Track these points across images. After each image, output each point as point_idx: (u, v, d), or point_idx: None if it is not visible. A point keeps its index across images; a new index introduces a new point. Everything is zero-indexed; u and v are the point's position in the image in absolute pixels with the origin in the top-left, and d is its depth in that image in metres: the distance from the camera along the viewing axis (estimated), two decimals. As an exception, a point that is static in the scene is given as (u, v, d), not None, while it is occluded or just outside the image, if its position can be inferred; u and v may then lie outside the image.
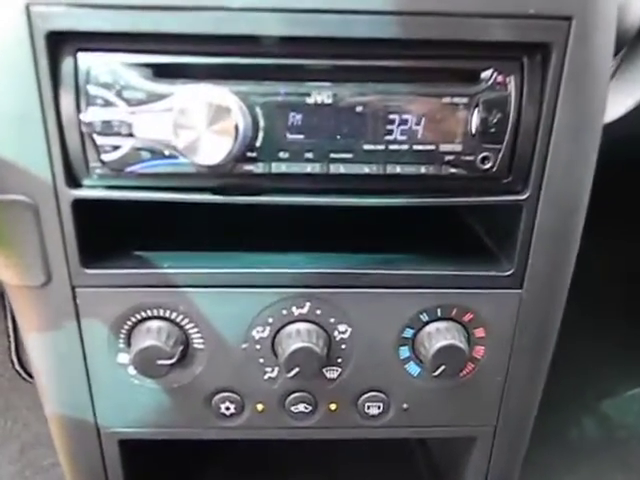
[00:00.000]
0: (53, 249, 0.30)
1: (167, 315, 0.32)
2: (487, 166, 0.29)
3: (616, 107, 0.39)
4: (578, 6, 0.26)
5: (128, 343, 0.32)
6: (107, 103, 0.27)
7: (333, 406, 0.35)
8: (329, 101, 0.27)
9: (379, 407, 0.35)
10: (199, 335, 0.32)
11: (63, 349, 0.32)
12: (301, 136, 0.28)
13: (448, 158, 0.28)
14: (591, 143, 0.29)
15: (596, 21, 0.27)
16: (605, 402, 0.89)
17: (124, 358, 0.33)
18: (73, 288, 0.31)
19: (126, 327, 0.32)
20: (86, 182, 0.29)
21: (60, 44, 0.26)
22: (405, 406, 0.35)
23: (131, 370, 0.33)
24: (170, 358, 0.31)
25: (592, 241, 0.35)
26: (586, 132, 0.29)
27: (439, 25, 0.26)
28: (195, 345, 0.32)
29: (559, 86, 0.27)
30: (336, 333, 0.32)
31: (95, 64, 0.26)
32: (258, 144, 0.27)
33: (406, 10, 0.25)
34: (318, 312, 0.32)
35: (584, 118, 0.29)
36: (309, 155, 0.28)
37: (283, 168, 0.28)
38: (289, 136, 0.28)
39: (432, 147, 0.28)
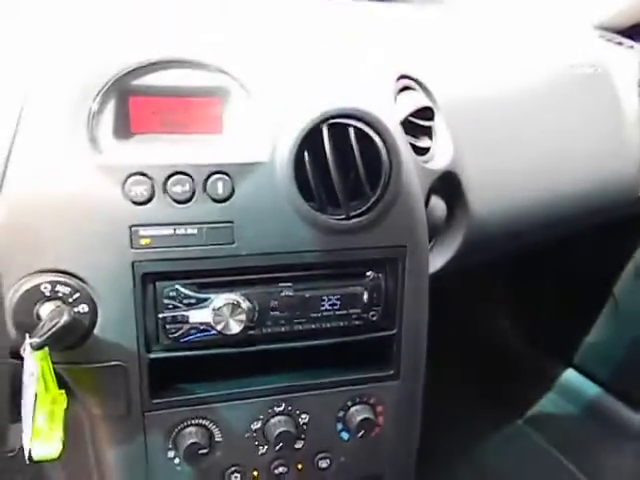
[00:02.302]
0: (133, 391, 0.50)
1: (199, 422, 0.53)
2: (373, 318, 0.55)
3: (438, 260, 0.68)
4: (409, 239, 0.54)
5: (175, 443, 0.53)
6: (174, 307, 0.49)
7: (300, 466, 0.57)
8: (291, 294, 0.52)
9: (327, 462, 0.58)
10: (219, 432, 0.54)
11: (132, 453, 0.52)
12: (277, 313, 0.52)
13: (354, 316, 0.54)
14: (423, 295, 0.57)
15: (417, 243, 0.55)
16: (478, 449, 1.16)
17: (171, 454, 0.53)
18: (143, 413, 0.51)
19: (174, 433, 0.52)
20: (156, 348, 0.50)
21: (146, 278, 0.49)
22: (342, 459, 0.58)
23: (177, 461, 0.53)
24: (203, 448, 0.52)
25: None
26: (420, 291, 0.57)
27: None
28: (217, 439, 0.54)
29: (404, 274, 0.55)
30: (300, 420, 0.55)
31: (166, 287, 0.49)
32: (256, 319, 0.51)
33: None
34: (289, 408, 0.55)
35: (418, 285, 0.56)
36: (282, 321, 0.52)
37: (269, 330, 0.52)
38: (271, 313, 0.52)
39: (345, 311, 0.54)
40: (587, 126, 0.82)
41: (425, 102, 0.64)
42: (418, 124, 0.62)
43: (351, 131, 0.49)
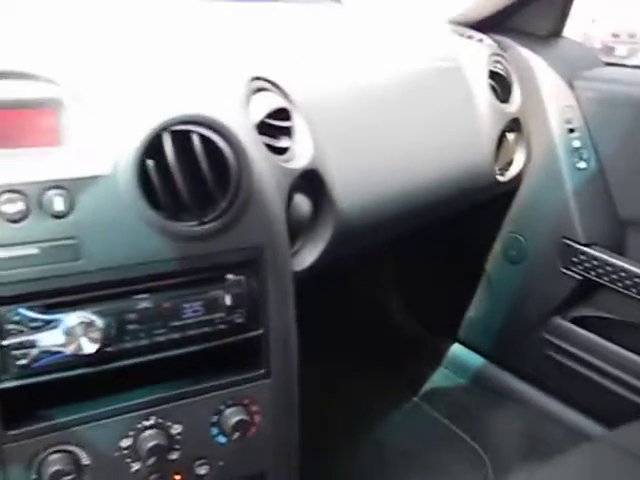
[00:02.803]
0: None
1: (63, 448, 0.51)
2: (238, 321, 0.55)
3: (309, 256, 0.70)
4: (266, 240, 0.55)
5: (39, 473, 0.50)
6: (19, 332, 0.47)
7: (178, 477, 0.56)
8: (149, 305, 0.51)
9: (206, 468, 0.57)
10: (86, 455, 0.52)
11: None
12: (136, 326, 0.51)
13: (218, 321, 0.54)
14: (288, 293, 0.58)
15: (276, 243, 0.56)
16: (376, 428, 1.20)
17: (35, 483, 0.50)
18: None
19: (36, 462, 0.50)
20: (4, 377, 0.47)
21: None
22: (221, 463, 0.58)
23: None
24: (69, 474, 0.50)
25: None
26: (284, 289, 0.58)
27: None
28: (84, 462, 0.52)
29: (266, 274, 0.56)
30: (172, 430, 0.55)
31: (9, 311, 0.47)
32: (113, 335, 0.50)
33: None
34: (160, 421, 0.54)
35: (282, 284, 0.58)
36: (142, 334, 0.51)
37: (128, 345, 0.51)
38: (129, 327, 0.51)
39: (209, 317, 0.54)
40: (444, 118, 0.87)
41: (281, 103, 0.65)
42: (275, 125, 0.63)
43: (194, 137, 0.49)
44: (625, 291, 0.92)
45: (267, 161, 0.59)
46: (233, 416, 0.56)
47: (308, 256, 0.68)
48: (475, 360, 1.25)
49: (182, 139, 0.49)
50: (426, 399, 1.26)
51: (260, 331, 0.56)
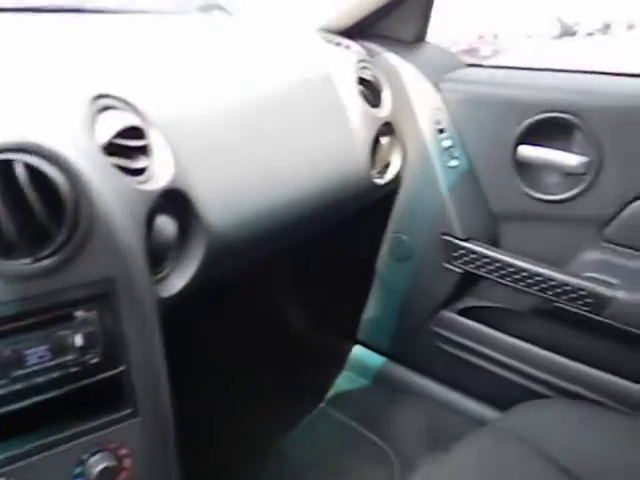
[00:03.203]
0: None
1: None
2: (93, 361, 0.51)
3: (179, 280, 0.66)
4: (118, 271, 0.51)
5: None
6: None
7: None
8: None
9: None
10: None
11: None
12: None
13: (69, 363, 0.50)
14: (151, 325, 0.55)
15: (130, 272, 0.53)
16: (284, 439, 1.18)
17: None
18: None
19: None
20: None
21: None
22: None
23: None
24: None
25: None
26: (146, 321, 0.54)
27: None
28: None
29: (120, 307, 0.52)
30: None
31: None
32: None
33: None
34: None
35: (142, 315, 0.54)
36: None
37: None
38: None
39: (58, 361, 0.49)
40: (316, 128, 0.87)
41: (133, 121, 0.61)
42: (128, 145, 0.60)
43: (17, 167, 0.45)
44: (501, 280, 0.97)
45: (119, 184, 0.55)
46: (98, 464, 0.52)
47: (178, 280, 0.65)
48: (376, 360, 1.27)
49: (6, 169, 0.44)
50: (332, 404, 1.26)
51: (121, 368, 0.52)
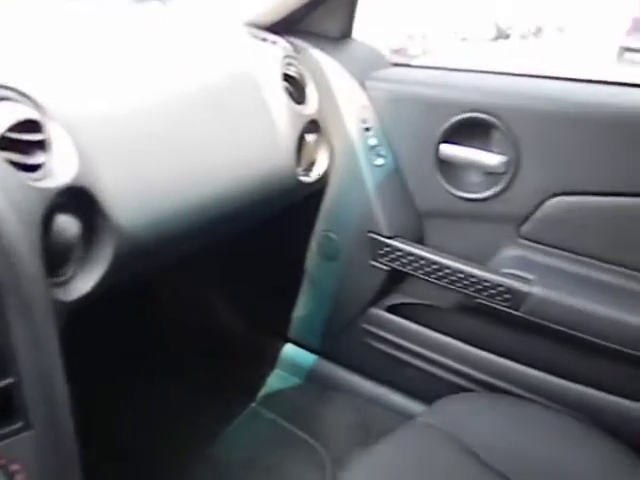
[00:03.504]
0: None
1: None
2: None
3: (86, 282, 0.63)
4: (4, 277, 0.48)
5: None
6: None
7: None
8: None
9: None
10: None
11: None
12: None
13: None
14: (45, 333, 0.52)
15: (20, 278, 0.49)
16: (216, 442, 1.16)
17: None
18: None
19: None
20: None
21: None
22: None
23: None
24: None
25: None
26: (38, 329, 0.51)
27: None
28: None
29: (7, 316, 0.48)
30: None
31: None
32: None
33: None
34: None
35: (34, 323, 0.51)
36: None
37: None
38: None
39: None
40: (238, 124, 0.85)
41: (30, 114, 0.57)
42: (24, 139, 0.56)
43: None
44: (426, 277, 0.98)
45: (10, 180, 0.52)
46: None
47: (84, 283, 0.62)
48: (307, 358, 1.26)
49: None
50: (264, 403, 1.25)
51: (8, 381, 0.49)
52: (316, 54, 1.00)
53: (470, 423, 0.84)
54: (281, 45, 0.99)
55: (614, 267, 0.90)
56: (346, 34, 1.07)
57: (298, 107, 0.94)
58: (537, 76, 0.98)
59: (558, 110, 0.88)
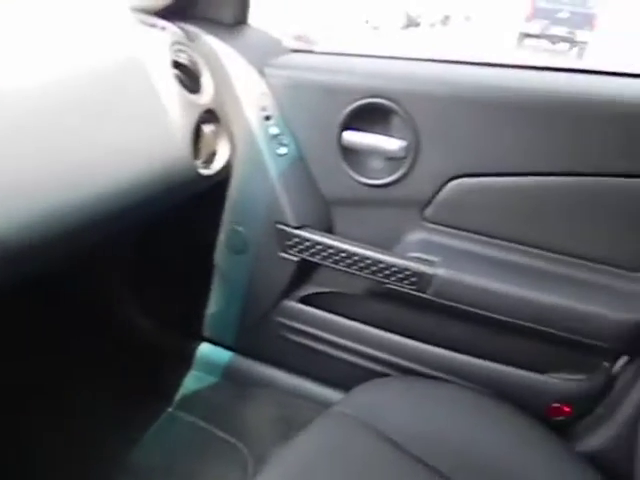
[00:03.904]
0: None
1: None
2: None
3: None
4: None
5: None
6: None
7: None
8: None
9: None
10: None
11: None
12: None
13: None
14: None
15: None
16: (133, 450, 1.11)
17: None
18: None
19: None
20: None
21: None
22: None
23: None
24: None
25: None
26: None
27: None
28: None
29: None
30: None
31: None
32: None
33: None
34: None
35: None
36: None
37: None
38: None
39: None
40: (126, 116, 0.79)
41: None
42: None
43: None
44: (336, 266, 0.97)
45: None
46: None
47: None
48: (223, 356, 1.23)
49: None
50: (181, 406, 1.21)
51: None
52: (210, 40, 0.96)
53: (385, 409, 0.85)
54: (171, 31, 0.94)
55: (515, 245, 0.93)
56: (241, 20, 1.04)
57: (192, 96, 0.89)
58: (434, 60, 0.99)
59: (455, 93, 0.89)
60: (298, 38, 1.25)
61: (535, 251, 0.91)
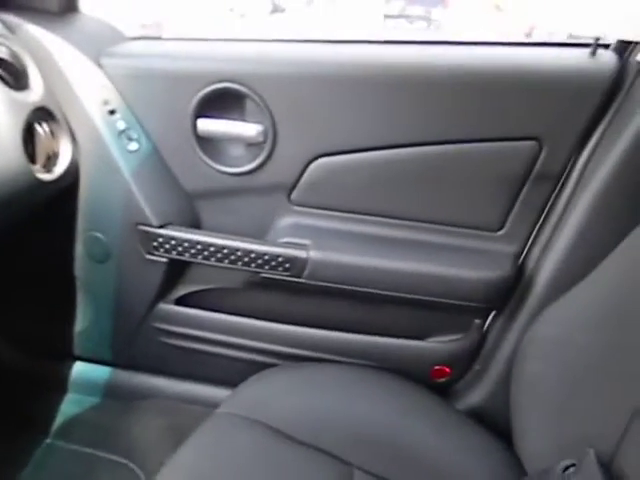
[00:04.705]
0: None
1: None
2: None
3: None
4: None
5: None
6: None
7: None
8: None
9: None
10: None
11: None
12: None
13: None
14: None
15: None
16: None
17: None
18: None
19: None
20: None
21: None
22: None
23: None
24: None
25: None
26: None
27: None
28: None
29: None
30: None
31: None
32: None
33: None
34: None
35: None
36: None
37: None
38: None
39: None
40: None
41: None
42: None
43: None
44: (207, 262, 0.93)
45: None
46: None
47: None
48: (101, 373, 1.14)
49: None
50: (61, 435, 1.11)
51: None
52: (34, 30, 0.86)
53: (271, 401, 0.83)
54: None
55: (382, 219, 0.94)
56: (70, 8, 0.94)
57: (17, 94, 0.80)
58: (282, 40, 0.97)
59: (303, 73, 0.88)
60: (145, 26, 1.17)
61: (400, 222, 0.93)
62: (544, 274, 0.87)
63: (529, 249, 0.91)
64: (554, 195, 0.87)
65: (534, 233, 0.91)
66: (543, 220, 0.89)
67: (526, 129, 0.83)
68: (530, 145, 0.84)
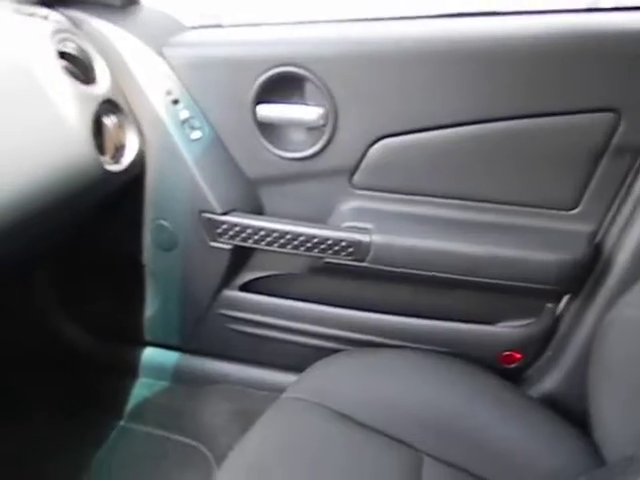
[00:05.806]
0: None
1: None
2: None
3: None
4: None
5: None
6: None
7: None
8: None
9: None
10: None
11: None
12: None
13: None
14: None
15: None
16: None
17: None
18: None
19: None
20: None
21: None
22: None
23: None
24: None
25: None
26: None
27: None
28: None
29: None
30: None
31: None
32: None
33: None
34: None
35: None
36: None
37: None
38: None
39: None
40: (11, 117, 0.71)
41: None
42: None
43: None
44: (270, 248, 0.93)
45: None
46: None
47: None
48: (170, 358, 1.18)
49: None
50: (134, 418, 1.15)
51: None
52: (99, 25, 0.88)
53: (338, 386, 0.82)
54: (53, 19, 0.85)
55: (448, 201, 0.92)
56: (132, 1, 0.96)
57: (86, 88, 0.82)
58: (340, 20, 0.95)
59: (365, 52, 0.85)
60: (203, 15, 1.18)
61: (466, 203, 0.90)
62: (623, 255, 0.82)
63: (607, 229, 0.86)
64: (634, 170, 0.82)
65: (612, 211, 0.85)
66: (622, 197, 0.84)
67: (603, 100, 0.78)
68: (608, 117, 0.79)
